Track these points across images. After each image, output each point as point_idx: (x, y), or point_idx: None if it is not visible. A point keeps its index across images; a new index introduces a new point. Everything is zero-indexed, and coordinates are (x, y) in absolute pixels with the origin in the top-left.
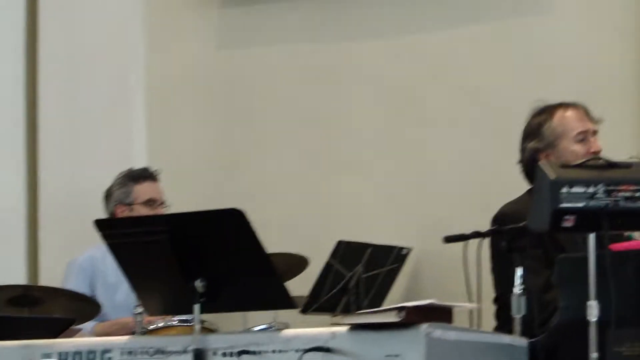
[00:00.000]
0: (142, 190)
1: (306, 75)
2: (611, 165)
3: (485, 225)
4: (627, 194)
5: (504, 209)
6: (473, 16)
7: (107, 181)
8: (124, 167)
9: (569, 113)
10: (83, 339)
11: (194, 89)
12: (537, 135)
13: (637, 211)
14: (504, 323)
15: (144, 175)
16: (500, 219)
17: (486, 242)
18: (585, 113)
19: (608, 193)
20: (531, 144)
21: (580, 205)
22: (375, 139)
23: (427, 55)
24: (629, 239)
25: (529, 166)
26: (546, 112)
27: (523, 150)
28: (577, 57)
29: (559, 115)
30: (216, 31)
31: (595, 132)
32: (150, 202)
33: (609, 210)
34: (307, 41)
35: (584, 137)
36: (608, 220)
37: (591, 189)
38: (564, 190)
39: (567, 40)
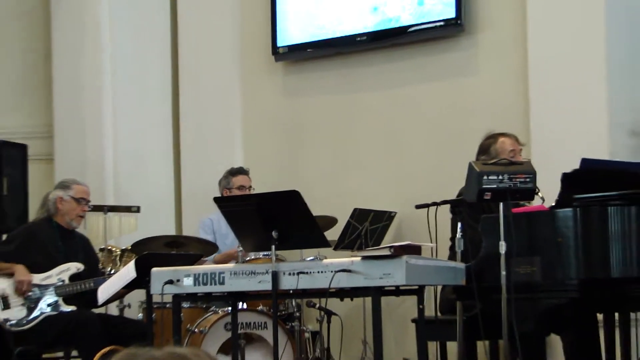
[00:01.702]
0: (237, 181)
1: (334, 113)
2: (512, 163)
3: (439, 199)
4: (522, 180)
5: (461, 189)
6: (432, 77)
7: (219, 175)
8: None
9: (506, 139)
10: (208, 266)
11: (270, 122)
12: (486, 152)
13: (528, 189)
14: (453, 255)
15: (239, 171)
16: (458, 194)
17: (441, 207)
18: (516, 139)
19: (510, 179)
20: (482, 157)
21: (494, 186)
22: (374, 149)
23: (405, 100)
24: (523, 205)
25: None
26: (493, 137)
27: (477, 159)
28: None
29: (500, 140)
30: (281, 87)
31: (520, 150)
32: (241, 188)
33: (511, 189)
34: (334, 93)
35: (514, 154)
36: (510, 195)
37: (500, 177)
38: (484, 177)
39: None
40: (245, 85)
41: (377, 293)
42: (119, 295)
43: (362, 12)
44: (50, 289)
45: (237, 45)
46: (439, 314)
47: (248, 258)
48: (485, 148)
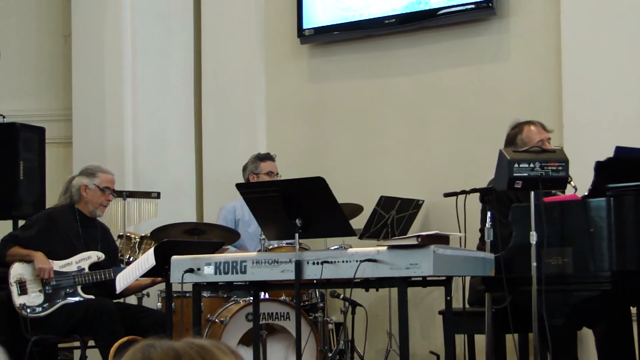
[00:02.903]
0: (265, 166)
1: (360, 98)
2: (544, 151)
3: (468, 187)
4: (554, 168)
5: (491, 180)
6: (461, 61)
7: (241, 162)
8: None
9: (532, 127)
10: (229, 254)
11: (294, 107)
12: (513, 143)
13: (560, 178)
14: (482, 245)
15: (267, 157)
16: (489, 184)
17: (471, 196)
18: (542, 127)
19: (542, 167)
20: (509, 147)
21: (525, 174)
22: (401, 135)
23: (434, 85)
24: (555, 194)
25: None
26: (518, 127)
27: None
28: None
29: (526, 129)
30: (306, 71)
31: (549, 138)
32: (269, 174)
33: (542, 178)
34: (360, 77)
35: (542, 143)
36: (542, 184)
37: (531, 165)
38: (515, 165)
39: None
40: (269, 69)
41: (403, 284)
42: (141, 287)
43: None
44: (69, 276)
45: (262, 27)
46: (467, 305)
47: (271, 246)
48: (512, 138)
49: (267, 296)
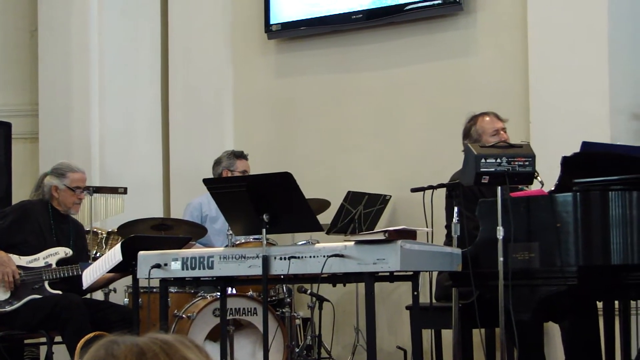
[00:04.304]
0: (241, 164)
1: (328, 93)
2: (510, 146)
3: (435, 182)
4: (520, 163)
5: (455, 173)
6: (428, 57)
7: (208, 157)
8: (219, 151)
9: (486, 118)
10: (196, 249)
11: (261, 102)
12: (468, 135)
13: (526, 173)
14: (449, 241)
15: (243, 155)
16: (452, 178)
17: (438, 191)
18: (496, 117)
19: (509, 162)
20: (466, 141)
21: (492, 169)
22: (369, 131)
23: (401, 81)
24: (521, 189)
25: None
26: (473, 119)
27: (464, 144)
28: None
29: (480, 120)
30: (273, 66)
31: (504, 129)
32: (244, 173)
33: (509, 173)
34: (328, 72)
35: (496, 132)
36: (508, 179)
37: (498, 160)
38: (482, 160)
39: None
40: (236, 64)
41: (370, 279)
42: (108, 281)
43: None
44: (36, 272)
45: (229, 23)
46: (434, 300)
47: (238, 242)
48: (467, 130)
49: (234, 291)
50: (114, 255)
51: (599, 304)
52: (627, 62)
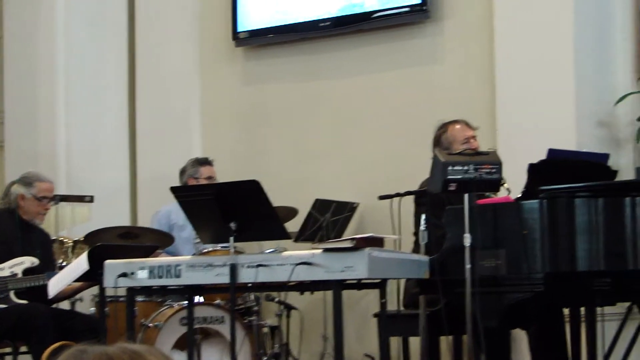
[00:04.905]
0: (205, 171)
1: (296, 100)
2: (477, 153)
3: (403, 190)
4: (487, 170)
5: (423, 181)
6: (396, 64)
7: (176, 165)
8: (187, 159)
9: (457, 126)
10: (163, 258)
11: (229, 109)
12: (439, 143)
13: (493, 180)
14: (416, 248)
15: (207, 161)
16: (421, 186)
17: (406, 198)
18: (467, 124)
19: (476, 170)
20: (436, 149)
21: (459, 177)
22: (337, 138)
23: (369, 88)
24: (488, 196)
25: None
26: (443, 127)
27: (433, 152)
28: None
29: (450, 128)
30: (241, 74)
31: (474, 137)
32: (209, 179)
33: (476, 180)
34: (296, 80)
35: (466, 140)
36: (475, 186)
37: (465, 167)
38: (450, 168)
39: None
40: (204, 72)
41: (338, 287)
42: (74, 291)
43: None
44: (1, 281)
45: (197, 30)
46: (401, 308)
47: (206, 250)
48: (438, 138)
49: (201, 300)
50: (80, 264)
51: (565, 311)
52: (592, 70)
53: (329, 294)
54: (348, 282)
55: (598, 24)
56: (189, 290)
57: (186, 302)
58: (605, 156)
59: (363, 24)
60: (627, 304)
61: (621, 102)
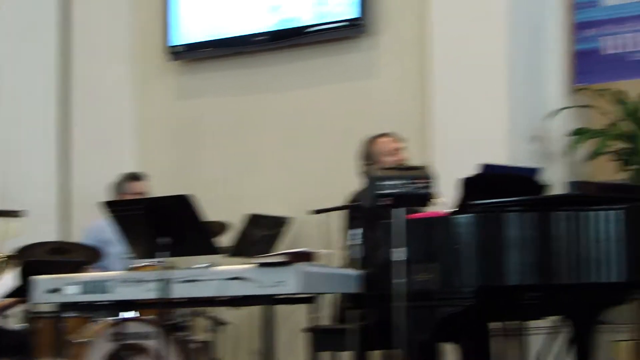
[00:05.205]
0: (136, 186)
1: (231, 115)
2: (411, 168)
3: (337, 204)
4: (420, 185)
5: (350, 194)
6: (331, 79)
7: (110, 180)
8: (120, 173)
9: (384, 139)
10: (94, 273)
11: (164, 124)
12: (368, 156)
13: (426, 195)
14: (349, 263)
15: (137, 176)
16: (352, 199)
17: (339, 213)
18: (394, 137)
19: (409, 184)
20: (364, 162)
21: (392, 191)
22: (272, 152)
23: (304, 102)
24: (421, 211)
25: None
26: (371, 140)
27: (360, 165)
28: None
29: (378, 141)
30: (175, 88)
31: (401, 149)
32: (140, 194)
33: (409, 195)
34: (231, 94)
35: (393, 153)
36: (408, 201)
37: (398, 182)
38: (382, 182)
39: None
40: (138, 86)
41: (269, 301)
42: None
43: (261, 11)
44: None
45: (131, 44)
46: (333, 322)
47: (137, 265)
48: (365, 152)
49: (132, 315)
50: (10, 280)
51: (497, 325)
52: (525, 85)
53: (261, 308)
54: (279, 296)
55: (531, 39)
56: (120, 306)
57: (116, 317)
58: (537, 171)
59: (298, 38)
60: (556, 318)
61: (553, 116)
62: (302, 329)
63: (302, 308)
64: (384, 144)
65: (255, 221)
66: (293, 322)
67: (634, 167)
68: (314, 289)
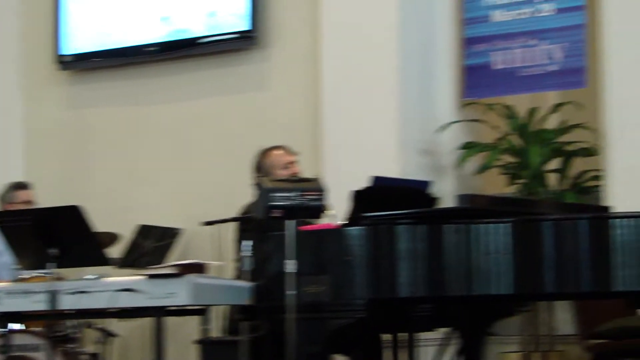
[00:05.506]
0: (22, 195)
1: (122, 125)
2: (302, 180)
3: (229, 216)
4: (311, 197)
5: (243, 206)
6: (222, 90)
7: None
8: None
9: (278, 152)
10: None
11: (53, 134)
12: (260, 169)
13: (317, 207)
14: (240, 274)
15: (23, 185)
16: (244, 211)
17: (231, 224)
18: (287, 150)
19: (300, 196)
20: (257, 175)
21: (283, 203)
22: (163, 163)
23: (195, 114)
24: (312, 223)
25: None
26: (264, 153)
27: (254, 177)
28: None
29: (271, 154)
30: (65, 98)
31: (294, 162)
32: (27, 203)
33: (300, 207)
34: (122, 104)
35: (287, 166)
36: (299, 213)
37: (289, 194)
38: (273, 194)
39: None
40: (26, 95)
41: (159, 313)
42: None
43: (152, 21)
44: None
45: (19, 52)
46: (226, 334)
47: (25, 276)
48: (258, 165)
49: (19, 327)
50: None
51: (389, 336)
52: (416, 99)
53: (151, 320)
54: (170, 308)
55: (422, 53)
56: (6, 318)
57: (2, 329)
58: (428, 183)
59: (189, 49)
60: (446, 330)
61: (443, 130)
62: (193, 341)
63: (193, 320)
64: (277, 157)
65: (146, 232)
66: (184, 334)
67: (522, 180)
68: (205, 300)
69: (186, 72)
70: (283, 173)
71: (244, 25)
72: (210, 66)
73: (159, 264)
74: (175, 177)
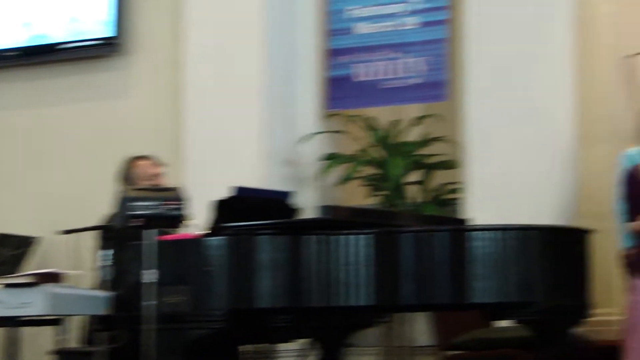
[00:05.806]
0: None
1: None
2: (163, 189)
3: (89, 225)
4: (172, 206)
5: (105, 216)
6: (82, 97)
7: None
8: None
9: (144, 162)
10: None
11: None
12: (126, 178)
13: (178, 216)
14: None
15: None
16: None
17: (90, 233)
18: (154, 161)
19: (160, 205)
20: (123, 184)
21: (142, 212)
22: (19, 170)
23: (53, 120)
24: (173, 232)
25: None
26: (131, 162)
27: (119, 186)
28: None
29: (137, 164)
30: None
31: (161, 174)
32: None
33: (160, 216)
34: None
35: (152, 177)
36: (159, 222)
37: (150, 203)
38: (133, 203)
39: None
40: None
41: (14, 323)
42: None
43: (13, 26)
44: None
45: None
46: (83, 344)
47: None
48: (124, 174)
49: None
50: None
51: (248, 347)
52: (279, 109)
53: (5, 330)
54: (26, 318)
55: (286, 64)
56: None
57: None
58: (290, 194)
59: (50, 55)
60: (306, 340)
61: (306, 141)
62: (48, 352)
63: (48, 330)
64: (143, 167)
65: (1, 240)
66: (39, 344)
67: (383, 192)
68: (62, 310)
69: (47, 78)
70: (148, 184)
71: (106, 32)
72: (72, 72)
73: (14, 272)
74: (32, 184)
